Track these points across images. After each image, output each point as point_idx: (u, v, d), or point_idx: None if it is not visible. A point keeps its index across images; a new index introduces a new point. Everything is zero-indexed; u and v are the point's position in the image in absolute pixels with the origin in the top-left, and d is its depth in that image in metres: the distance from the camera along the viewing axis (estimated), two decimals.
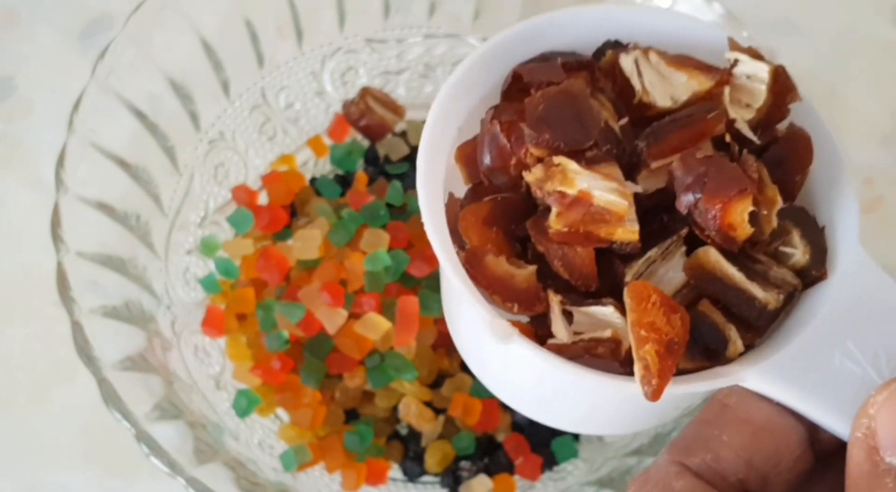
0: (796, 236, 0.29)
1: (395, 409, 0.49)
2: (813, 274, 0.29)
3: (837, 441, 0.28)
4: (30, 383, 0.51)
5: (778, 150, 0.30)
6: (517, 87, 0.30)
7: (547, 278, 0.29)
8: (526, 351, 0.28)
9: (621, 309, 0.28)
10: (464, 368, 0.49)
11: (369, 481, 0.48)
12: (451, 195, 0.31)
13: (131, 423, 0.41)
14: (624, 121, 0.30)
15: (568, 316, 0.28)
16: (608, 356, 0.28)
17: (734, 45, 0.30)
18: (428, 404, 0.49)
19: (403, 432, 0.50)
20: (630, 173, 0.28)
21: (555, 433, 0.49)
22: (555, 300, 0.28)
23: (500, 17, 0.52)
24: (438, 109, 0.31)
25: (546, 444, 0.49)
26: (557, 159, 0.28)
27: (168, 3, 0.46)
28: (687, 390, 0.28)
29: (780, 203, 0.28)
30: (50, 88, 0.56)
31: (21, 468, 0.50)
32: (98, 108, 0.45)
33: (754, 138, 0.29)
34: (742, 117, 0.29)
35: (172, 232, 0.49)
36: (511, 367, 0.32)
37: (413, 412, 0.48)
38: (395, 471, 0.49)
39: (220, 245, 0.51)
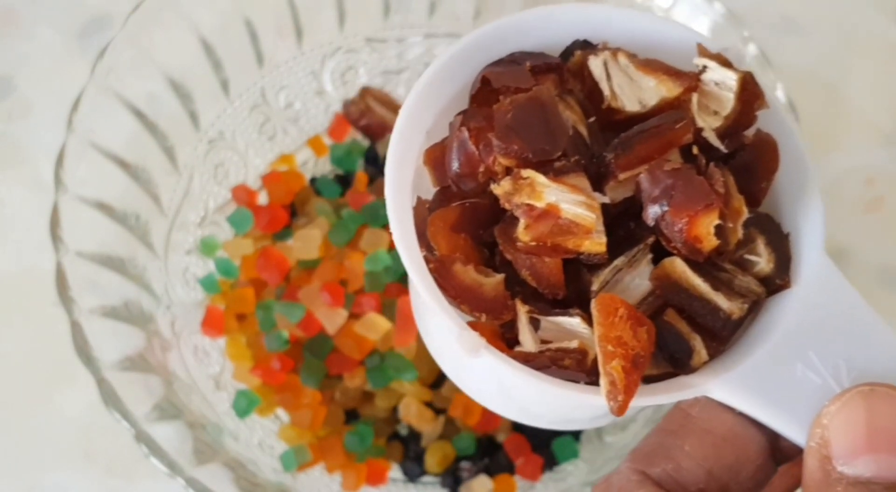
0: (761, 244, 0.30)
1: (395, 409, 0.49)
2: (777, 283, 0.30)
3: (798, 450, 0.28)
4: (30, 383, 0.51)
5: (744, 156, 0.30)
6: (486, 91, 0.30)
7: (515, 285, 0.29)
8: (494, 363, 0.28)
9: (588, 319, 0.28)
10: None
11: (369, 481, 0.48)
12: (419, 199, 0.31)
13: (131, 423, 0.41)
14: (592, 119, 0.30)
15: (535, 322, 0.29)
16: (574, 368, 0.28)
17: (703, 52, 0.30)
18: (428, 404, 0.49)
19: (403, 432, 0.50)
20: (598, 183, 0.28)
21: (555, 434, 0.49)
22: (522, 310, 0.28)
23: (501, 17, 0.52)
24: (407, 114, 0.31)
25: (547, 444, 0.49)
26: (526, 173, 0.28)
27: (167, 3, 0.46)
28: (652, 403, 0.28)
29: (745, 214, 0.29)
30: (49, 88, 0.56)
31: (21, 468, 0.50)
32: (97, 108, 0.45)
33: (721, 147, 0.29)
34: (709, 125, 0.29)
35: (172, 232, 0.49)
36: (481, 372, 0.32)
37: (413, 412, 0.48)
38: (395, 471, 0.49)
39: (219, 245, 0.51)
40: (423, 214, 0.30)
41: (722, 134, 0.30)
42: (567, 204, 0.27)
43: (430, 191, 0.31)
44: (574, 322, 0.28)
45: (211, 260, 0.51)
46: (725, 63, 0.29)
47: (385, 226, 0.50)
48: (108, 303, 0.44)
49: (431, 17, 0.52)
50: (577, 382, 0.29)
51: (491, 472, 0.49)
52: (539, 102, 0.28)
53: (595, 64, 0.30)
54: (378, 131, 0.54)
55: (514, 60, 0.31)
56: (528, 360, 0.28)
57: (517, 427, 0.49)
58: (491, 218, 0.29)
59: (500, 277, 0.29)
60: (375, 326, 0.47)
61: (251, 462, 0.46)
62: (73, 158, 0.44)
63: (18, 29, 0.57)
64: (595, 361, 0.27)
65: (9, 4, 0.58)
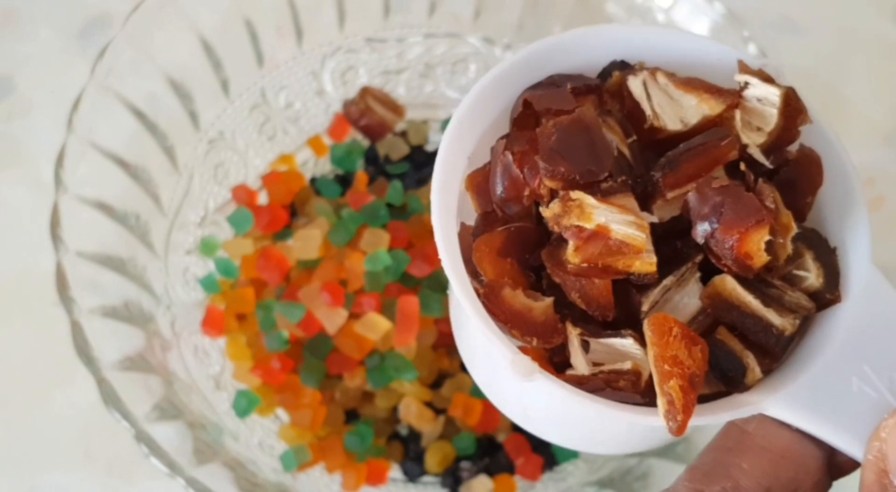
0: (809, 259, 0.30)
1: (395, 409, 0.49)
2: (827, 297, 0.30)
3: (855, 464, 0.28)
4: (30, 383, 0.51)
5: (788, 172, 0.30)
6: (527, 114, 0.30)
7: (563, 307, 0.29)
8: (548, 387, 0.28)
9: (640, 340, 0.28)
10: (464, 368, 0.49)
11: (369, 481, 0.48)
12: (462, 225, 0.31)
13: (131, 423, 0.41)
14: (632, 139, 0.30)
15: (585, 345, 0.28)
16: (629, 389, 0.28)
17: (744, 68, 0.30)
18: (428, 404, 0.49)
19: (404, 432, 0.50)
20: (645, 203, 0.28)
21: None
22: (573, 333, 0.28)
23: (501, 17, 0.52)
24: (449, 140, 0.30)
25: (546, 444, 0.49)
26: (575, 194, 0.28)
27: (167, 3, 0.46)
28: (710, 422, 0.28)
29: (794, 229, 0.28)
30: (49, 88, 0.56)
31: (21, 468, 0.50)
32: (97, 108, 0.45)
33: (766, 163, 0.29)
34: (754, 142, 0.29)
35: (172, 232, 0.49)
36: (530, 396, 0.32)
37: (413, 412, 0.48)
38: (395, 471, 0.49)
39: (219, 245, 0.51)
40: (468, 239, 0.30)
41: (766, 150, 0.29)
42: (617, 225, 0.27)
43: (472, 215, 0.31)
44: (627, 343, 0.28)
45: (211, 260, 0.51)
46: (767, 79, 0.29)
47: (384, 226, 0.50)
48: (108, 303, 0.44)
49: (431, 17, 0.52)
50: (627, 403, 0.28)
51: (491, 472, 0.49)
52: (583, 124, 0.28)
53: (634, 84, 0.30)
54: (378, 131, 0.54)
55: (553, 83, 0.31)
56: (581, 383, 0.28)
57: (517, 427, 0.49)
58: (536, 241, 0.29)
59: (549, 300, 0.29)
60: (375, 326, 0.47)
61: (251, 462, 0.46)
62: (73, 158, 0.44)
63: (18, 29, 0.57)
64: (648, 381, 0.27)
65: (9, 4, 0.58)
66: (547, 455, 0.49)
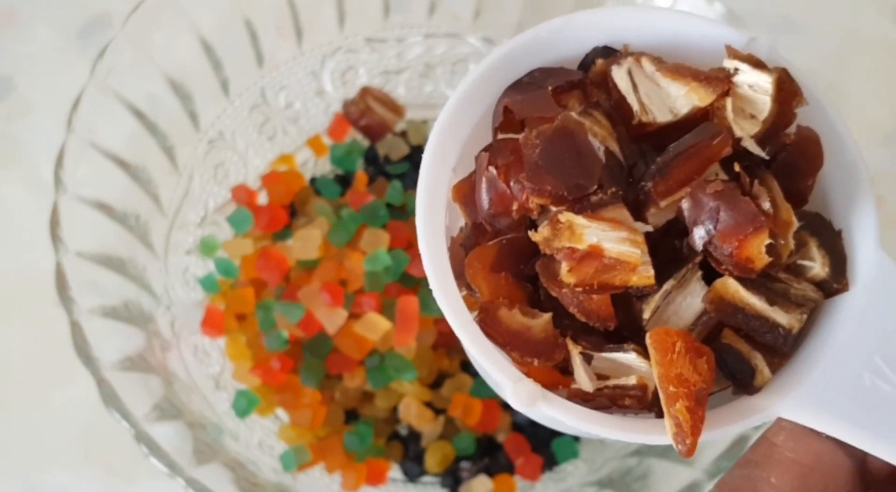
0: (814, 247, 0.28)
1: (395, 409, 0.49)
2: (834, 287, 0.28)
3: (889, 468, 0.27)
4: (30, 383, 0.51)
5: (787, 155, 0.29)
6: (509, 119, 0.29)
7: (563, 318, 0.28)
8: (555, 413, 0.27)
9: (643, 353, 0.27)
10: (464, 368, 0.49)
11: (369, 481, 0.48)
12: (453, 239, 0.30)
13: (131, 423, 0.41)
14: (619, 129, 0.29)
15: (588, 357, 0.28)
16: (636, 407, 0.27)
17: (732, 53, 0.28)
18: (428, 404, 0.49)
19: (403, 432, 0.50)
20: (638, 211, 0.28)
21: (555, 434, 0.49)
22: (575, 350, 0.28)
23: (501, 17, 0.52)
24: (431, 155, 0.29)
25: (546, 444, 0.49)
26: (563, 216, 0.27)
27: (167, 3, 0.46)
28: (721, 436, 0.27)
29: (795, 225, 0.27)
30: (49, 88, 0.56)
31: (21, 468, 0.50)
32: (97, 108, 0.45)
33: (763, 154, 0.28)
34: (747, 132, 0.28)
35: (172, 232, 0.49)
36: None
37: (413, 413, 0.48)
38: (395, 471, 0.49)
39: (219, 245, 0.51)
40: (458, 252, 0.29)
41: (761, 139, 0.28)
42: (610, 243, 0.27)
43: (460, 220, 0.30)
44: (630, 358, 0.27)
45: (211, 260, 0.51)
46: (757, 64, 0.28)
47: (384, 226, 0.50)
48: (108, 303, 0.44)
49: (431, 17, 0.52)
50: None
51: (491, 472, 0.49)
52: (567, 132, 0.27)
53: (619, 75, 0.29)
54: (378, 131, 0.54)
55: (533, 81, 0.30)
56: (586, 399, 0.27)
57: (517, 427, 0.49)
58: (530, 252, 0.28)
59: (547, 316, 0.28)
60: (375, 326, 0.47)
61: (251, 462, 0.46)
62: (73, 158, 0.44)
63: (18, 29, 0.57)
64: (655, 393, 0.27)
65: (9, 4, 0.58)
66: (547, 455, 0.49)
